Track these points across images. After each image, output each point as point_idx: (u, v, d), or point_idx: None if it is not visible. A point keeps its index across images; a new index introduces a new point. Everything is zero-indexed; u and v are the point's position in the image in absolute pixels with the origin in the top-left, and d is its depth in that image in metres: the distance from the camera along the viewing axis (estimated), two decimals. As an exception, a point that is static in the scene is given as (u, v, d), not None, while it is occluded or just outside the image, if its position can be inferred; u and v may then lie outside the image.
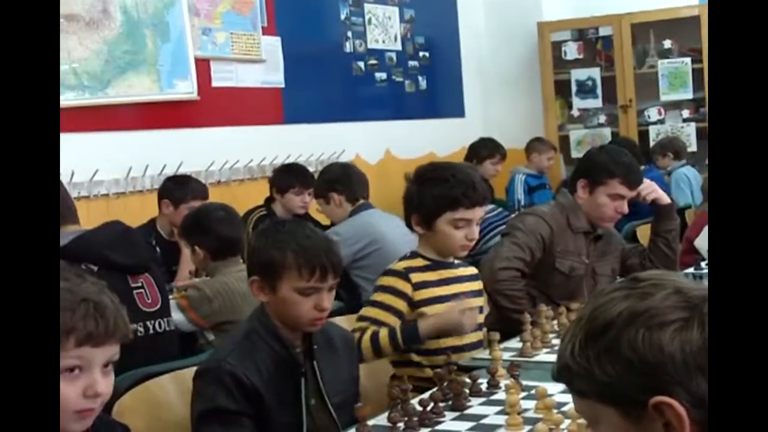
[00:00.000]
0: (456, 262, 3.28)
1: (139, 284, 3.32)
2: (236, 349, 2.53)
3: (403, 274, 3.15)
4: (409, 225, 3.25)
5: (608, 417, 1.30)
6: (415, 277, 3.15)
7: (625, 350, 1.27)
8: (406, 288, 3.13)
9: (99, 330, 1.77)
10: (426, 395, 2.54)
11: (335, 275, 2.57)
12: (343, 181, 4.99)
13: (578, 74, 8.25)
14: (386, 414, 2.45)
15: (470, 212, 3.13)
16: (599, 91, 8.19)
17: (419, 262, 3.19)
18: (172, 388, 2.63)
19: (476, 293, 3.31)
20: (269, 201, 5.66)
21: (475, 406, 2.57)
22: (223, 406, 2.44)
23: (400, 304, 3.12)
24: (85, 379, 1.77)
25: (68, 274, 1.81)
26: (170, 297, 3.61)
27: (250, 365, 2.49)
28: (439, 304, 3.14)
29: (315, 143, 6.69)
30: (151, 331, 3.32)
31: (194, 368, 2.77)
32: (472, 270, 3.36)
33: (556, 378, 1.37)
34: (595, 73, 8.21)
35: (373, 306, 3.15)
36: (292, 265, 2.51)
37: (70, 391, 1.75)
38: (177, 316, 3.57)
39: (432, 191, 3.12)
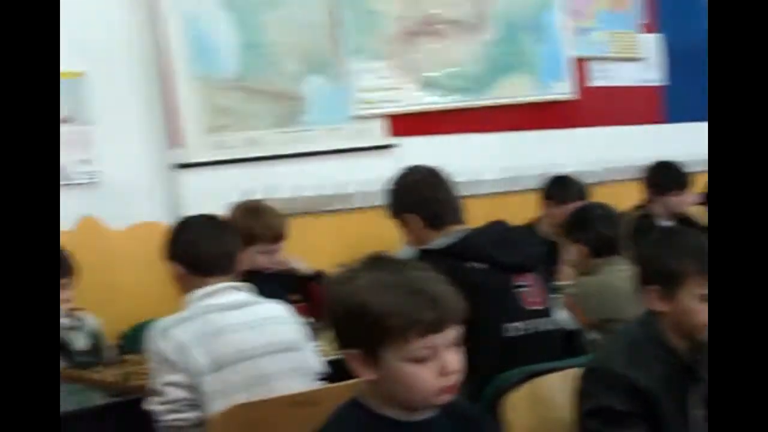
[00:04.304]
0: None
1: (524, 283, 3.34)
2: (623, 353, 2.47)
3: None
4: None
5: None
6: None
7: None
8: None
9: (436, 317, 1.80)
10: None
11: None
12: None
13: None
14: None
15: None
16: None
17: None
18: (559, 387, 2.61)
19: None
20: (647, 202, 5.54)
21: None
22: (609, 405, 2.39)
23: None
24: (436, 363, 1.82)
25: (392, 265, 1.87)
26: (553, 296, 3.61)
27: (639, 369, 2.42)
28: None
29: (698, 143, 6.45)
30: (536, 330, 3.32)
31: (581, 368, 2.75)
32: None
33: None
34: None
35: None
36: (694, 272, 2.40)
37: (426, 375, 1.81)
38: (561, 314, 3.57)
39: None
